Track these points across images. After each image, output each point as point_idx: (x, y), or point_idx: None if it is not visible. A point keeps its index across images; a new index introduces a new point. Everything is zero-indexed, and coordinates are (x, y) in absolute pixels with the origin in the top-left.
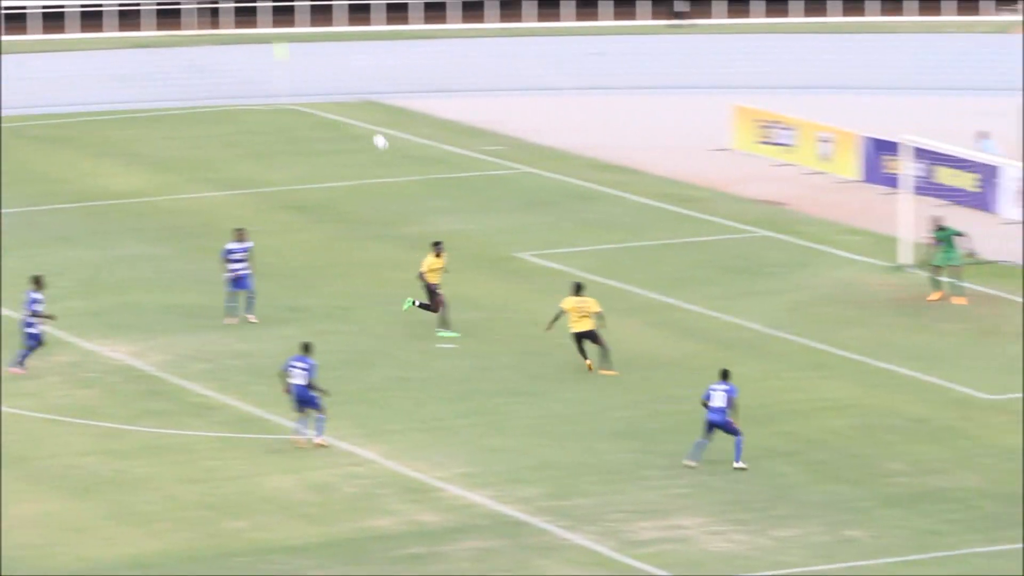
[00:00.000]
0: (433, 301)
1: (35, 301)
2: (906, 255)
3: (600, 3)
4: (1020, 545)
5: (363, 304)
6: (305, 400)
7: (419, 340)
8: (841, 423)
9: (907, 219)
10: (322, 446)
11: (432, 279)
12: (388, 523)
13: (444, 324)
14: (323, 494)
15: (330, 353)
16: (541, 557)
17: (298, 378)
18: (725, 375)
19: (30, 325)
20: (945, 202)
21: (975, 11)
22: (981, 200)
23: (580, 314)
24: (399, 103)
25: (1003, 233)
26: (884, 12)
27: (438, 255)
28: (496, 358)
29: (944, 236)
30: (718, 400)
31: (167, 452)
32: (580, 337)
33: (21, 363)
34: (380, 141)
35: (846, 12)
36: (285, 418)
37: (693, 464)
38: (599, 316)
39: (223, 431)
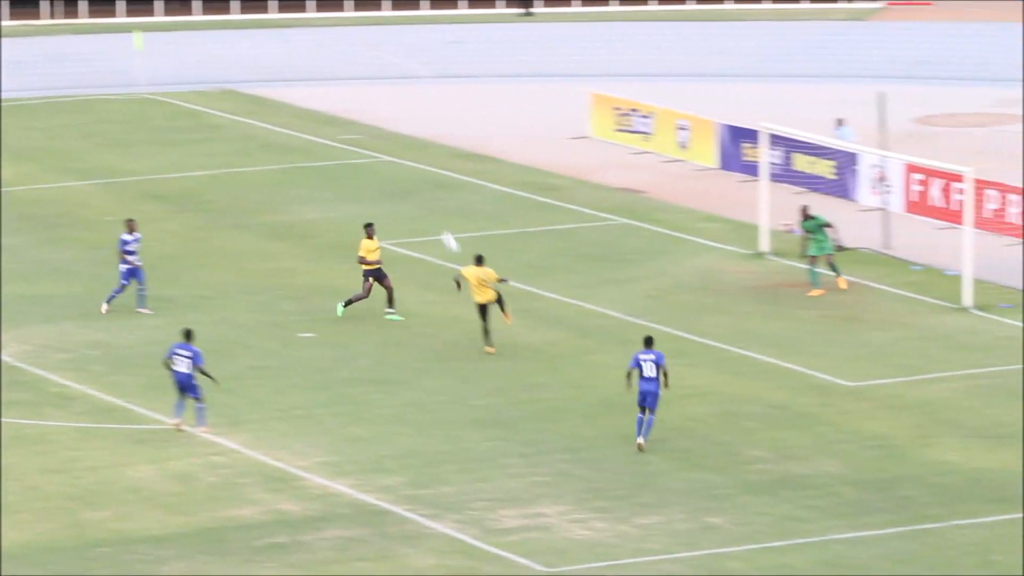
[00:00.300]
0: (366, 286)
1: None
2: (764, 243)
3: None
4: (880, 531)
5: (225, 294)
6: (187, 387)
7: (280, 329)
8: (702, 410)
9: (765, 207)
10: (206, 432)
11: (372, 259)
12: (250, 512)
13: (391, 304)
14: (184, 484)
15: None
16: (405, 546)
17: (181, 365)
18: (649, 342)
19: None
20: (803, 189)
21: None
22: (839, 187)
23: (482, 284)
24: (258, 92)
25: (861, 220)
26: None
27: (370, 237)
28: (356, 347)
29: (814, 226)
30: (649, 370)
31: (27, 443)
32: (483, 308)
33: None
34: (450, 241)
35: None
36: (145, 407)
37: (642, 442)
38: (501, 283)
39: (83, 421)
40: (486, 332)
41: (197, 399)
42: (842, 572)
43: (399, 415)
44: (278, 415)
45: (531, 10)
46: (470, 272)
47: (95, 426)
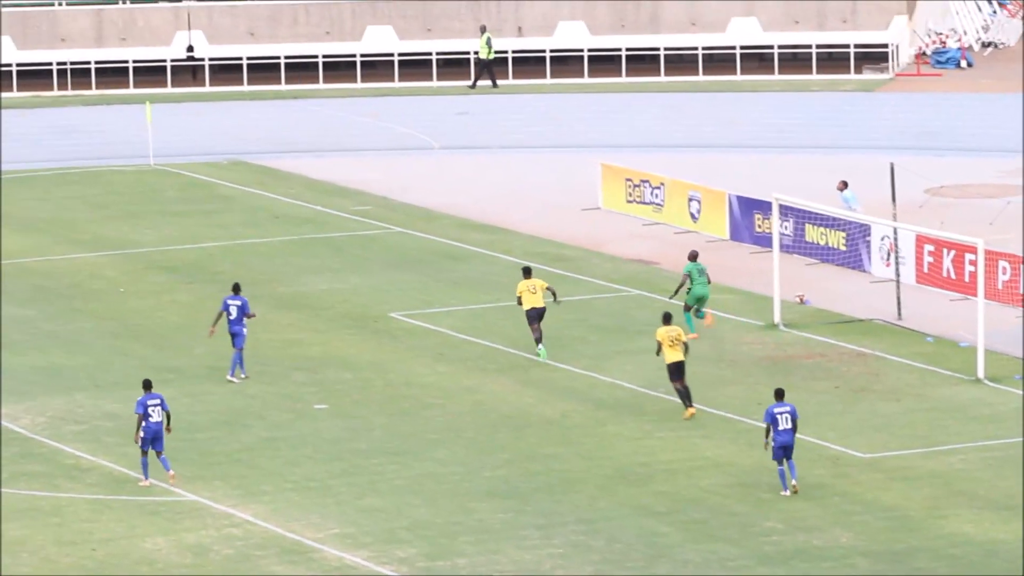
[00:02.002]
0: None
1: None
2: (777, 314)
3: (462, 66)
4: None
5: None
6: (159, 438)
7: (292, 400)
8: (717, 481)
9: (777, 278)
10: (174, 478)
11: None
12: None
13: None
14: (199, 556)
15: (203, 414)
16: None
17: (156, 415)
18: (780, 395)
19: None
20: (815, 260)
21: (839, 70)
22: (851, 258)
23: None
24: (268, 163)
25: (874, 291)
26: (749, 71)
27: (528, 276)
28: (368, 419)
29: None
30: (785, 422)
31: (41, 515)
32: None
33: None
34: None
35: (709, 71)
36: (158, 479)
37: (787, 494)
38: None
39: (97, 493)
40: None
41: (160, 451)
42: None
43: (413, 486)
44: (292, 486)
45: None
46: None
47: (109, 498)
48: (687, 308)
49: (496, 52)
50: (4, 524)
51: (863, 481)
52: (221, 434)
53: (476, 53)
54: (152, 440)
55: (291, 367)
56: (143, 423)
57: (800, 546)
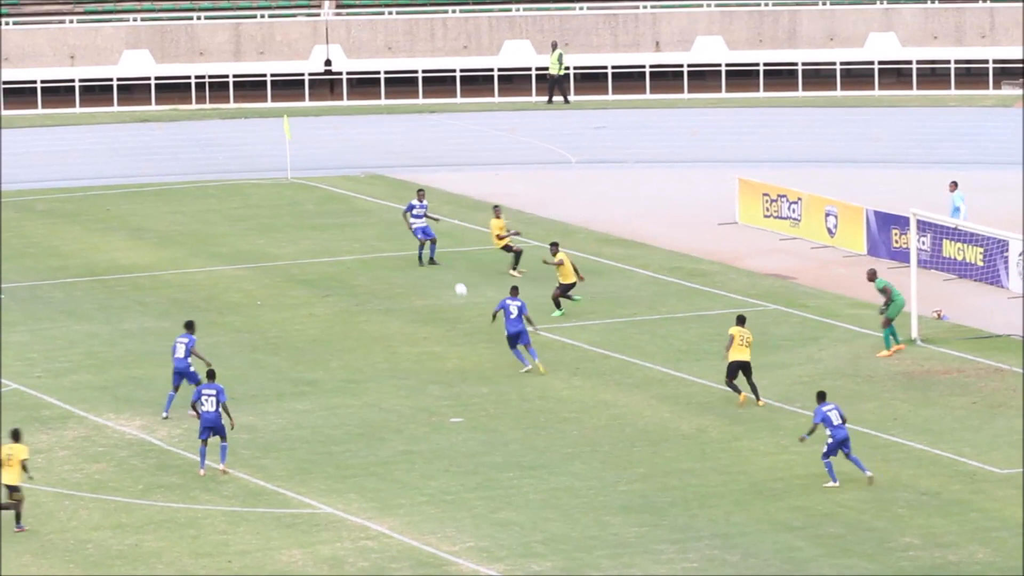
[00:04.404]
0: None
1: (187, 343)
2: (914, 329)
3: (598, 78)
4: None
5: (372, 378)
6: (217, 427)
7: (429, 414)
8: (854, 496)
9: (914, 293)
10: (226, 472)
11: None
12: None
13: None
14: (335, 568)
15: (339, 427)
16: None
17: (209, 404)
18: (823, 396)
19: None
20: (952, 276)
21: (977, 85)
22: (989, 274)
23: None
24: (405, 176)
25: (1011, 307)
26: (887, 86)
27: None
28: (505, 432)
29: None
30: (837, 418)
31: (177, 526)
32: (737, 367)
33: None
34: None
35: (846, 86)
36: (293, 491)
37: (836, 484)
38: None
39: (233, 505)
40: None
41: (223, 437)
42: None
43: (548, 500)
44: (427, 499)
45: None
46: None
47: (245, 510)
48: (888, 323)
49: (567, 68)
50: (141, 536)
51: (1000, 497)
52: (357, 447)
53: (547, 69)
54: (211, 429)
55: (427, 380)
56: (198, 412)
57: (936, 562)
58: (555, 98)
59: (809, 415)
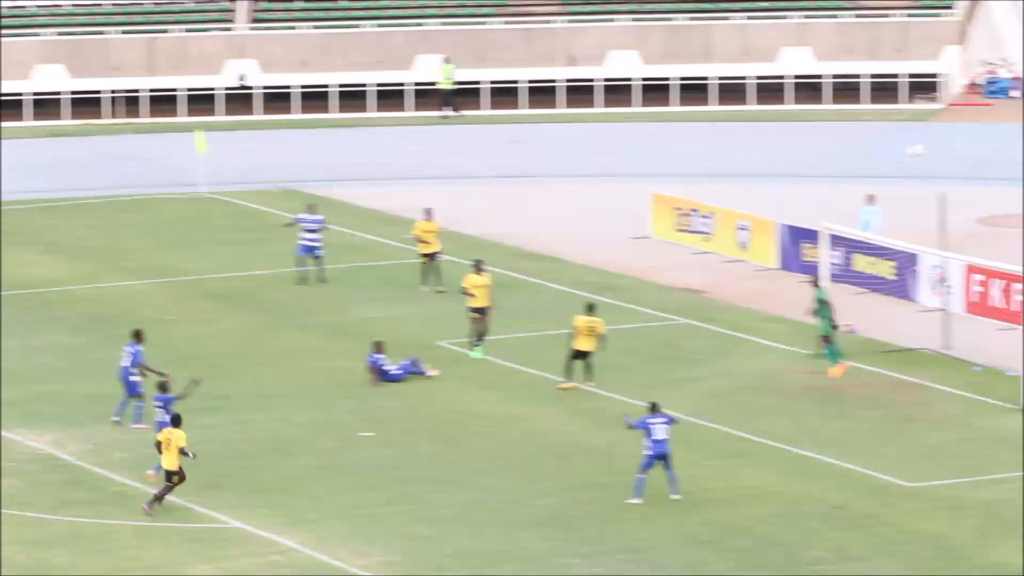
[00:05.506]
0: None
1: (134, 353)
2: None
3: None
4: None
5: (283, 392)
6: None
7: (339, 428)
8: (763, 511)
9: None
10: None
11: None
12: None
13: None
14: None
15: (250, 442)
16: None
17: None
18: (655, 408)
19: (132, 375)
20: (863, 290)
21: (891, 99)
22: (899, 288)
23: (588, 333)
24: (318, 191)
25: (922, 321)
26: (801, 100)
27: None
28: (415, 447)
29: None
30: (660, 432)
31: (87, 541)
32: (578, 355)
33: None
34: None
35: (760, 100)
36: (202, 506)
37: (639, 501)
38: (603, 338)
39: (143, 520)
40: (570, 374)
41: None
42: None
43: (459, 515)
44: (338, 514)
45: (450, 110)
46: (580, 321)
47: (155, 525)
48: (827, 341)
49: (458, 82)
50: (51, 551)
51: (910, 510)
52: (267, 462)
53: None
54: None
55: (338, 395)
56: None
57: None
58: (446, 111)
59: (720, 429)
